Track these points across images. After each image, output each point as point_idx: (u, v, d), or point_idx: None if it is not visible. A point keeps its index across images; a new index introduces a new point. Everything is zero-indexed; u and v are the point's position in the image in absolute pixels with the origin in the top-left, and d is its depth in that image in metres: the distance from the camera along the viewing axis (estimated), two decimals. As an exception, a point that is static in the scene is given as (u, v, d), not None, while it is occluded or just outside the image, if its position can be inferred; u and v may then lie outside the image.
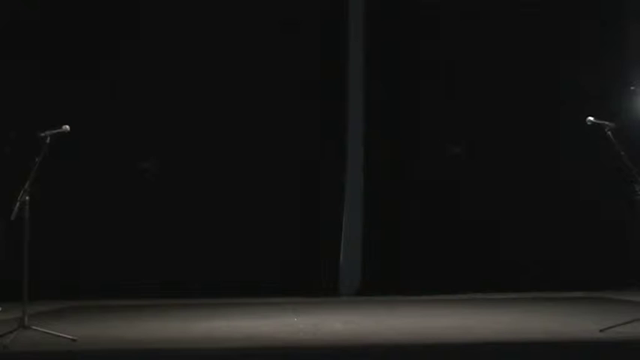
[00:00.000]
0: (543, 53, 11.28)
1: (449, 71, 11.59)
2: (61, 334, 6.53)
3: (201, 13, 11.41)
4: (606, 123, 6.86)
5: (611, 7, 11.37)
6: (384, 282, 11.08)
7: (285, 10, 11.42)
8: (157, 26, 11.34)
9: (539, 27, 11.34)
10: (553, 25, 11.31)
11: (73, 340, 6.42)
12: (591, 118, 6.93)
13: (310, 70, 11.51)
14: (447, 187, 11.50)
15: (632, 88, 10.74)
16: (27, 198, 6.55)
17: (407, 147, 11.68)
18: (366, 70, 11.52)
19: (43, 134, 6.75)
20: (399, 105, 11.67)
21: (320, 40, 11.60)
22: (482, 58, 11.46)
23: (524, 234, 11.22)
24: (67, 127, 6.81)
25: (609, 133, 6.83)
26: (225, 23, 11.41)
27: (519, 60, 11.37)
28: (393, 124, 11.63)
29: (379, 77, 11.57)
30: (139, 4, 11.40)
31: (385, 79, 11.62)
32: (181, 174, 11.41)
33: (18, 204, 6.51)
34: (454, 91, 11.58)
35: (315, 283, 11.07)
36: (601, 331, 6.40)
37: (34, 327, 6.54)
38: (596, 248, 10.80)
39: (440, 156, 11.71)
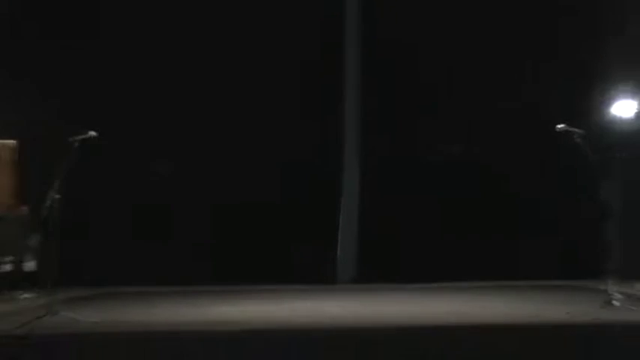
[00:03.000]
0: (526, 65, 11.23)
1: (444, 81, 11.55)
2: (85, 318, 6.63)
3: (209, 23, 11.37)
4: (576, 130, 6.94)
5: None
6: (378, 271, 11.00)
7: (289, 17, 11.37)
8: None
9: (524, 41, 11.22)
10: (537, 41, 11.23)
11: (96, 323, 6.54)
12: (562, 126, 6.99)
13: (310, 76, 11.40)
14: (438, 183, 11.39)
15: (598, 99, 10.58)
16: (56, 196, 6.66)
17: (403, 143, 11.64)
18: (362, 72, 11.54)
19: (71, 139, 6.84)
20: (395, 104, 11.61)
21: (319, 47, 11.54)
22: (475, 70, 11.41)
23: (511, 228, 11.14)
24: (94, 132, 6.91)
25: (578, 139, 6.91)
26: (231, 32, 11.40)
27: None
28: (390, 120, 11.59)
29: (375, 79, 11.55)
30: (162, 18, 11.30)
31: (381, 82, 11.60)
32: (191, 175, 11.41)
33: (48, 201, 6.63)
34: (445, 98, 11.58)
35: (315, 272, 10.98)
36: (567, 313, 6.53)
37: (62, 312, 6.66)
38: (571, 242, 10.75)
39: (433, 153, 11.67)
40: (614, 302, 6.46)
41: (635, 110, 10.03)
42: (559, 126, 6.99)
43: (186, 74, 11.25)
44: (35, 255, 9.77)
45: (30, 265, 9.64)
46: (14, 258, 9.80)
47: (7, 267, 9.75)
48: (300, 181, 11.37)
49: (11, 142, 11.09)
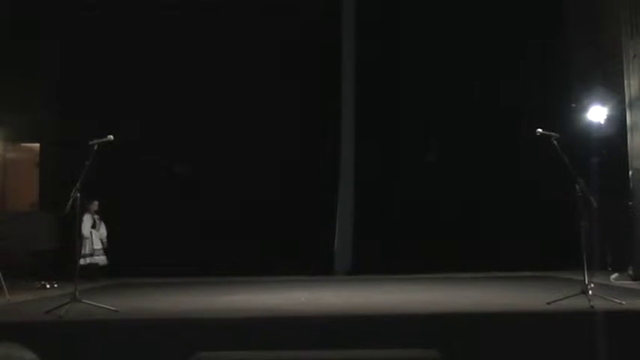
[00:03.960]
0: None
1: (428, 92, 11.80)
2: (105, 306, 6.75)
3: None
4: (552, 134, 6.98)
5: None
6: (371, 263, 11.22)
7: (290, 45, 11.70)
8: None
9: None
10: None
11: (115, 310, 6.66)
12: (540, 130, 7.02)
13: (310, 84, 11.70)
14: (423, 188, 11.64)
15: (572, 105, 10.88)
16: (78, 195, 6.74)
17: (394, 148, 11.84)
18: (355, 78, 11.78)
19: (91, 142, 6.94)
20: (386, 108, 11.85)
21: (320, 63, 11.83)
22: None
23: (491, 225, 11.34)
24: (111, 136, 7.02)
25: (555, 142, 6.94)
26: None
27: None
28: (381, 125, 11.78)
29: (366, 87, 11.77)
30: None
31: (373, 91, 11.80)
32: (205, 176, 11.72)
33: (70, 200, 6.71)
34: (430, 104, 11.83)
35: (314, 264, 11.21)
36: (548, 303, 6.56)
37: (84, 300, 6.77)
38: (550, 236, 10.92)
39: (419, 157, 11.91)
40: (590, 292, 6.52)
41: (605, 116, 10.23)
42: (538, 130, 7.03)
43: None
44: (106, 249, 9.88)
45: (102, 259, 9.74)
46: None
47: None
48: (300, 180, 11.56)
49: (35, 145, 11.34)
